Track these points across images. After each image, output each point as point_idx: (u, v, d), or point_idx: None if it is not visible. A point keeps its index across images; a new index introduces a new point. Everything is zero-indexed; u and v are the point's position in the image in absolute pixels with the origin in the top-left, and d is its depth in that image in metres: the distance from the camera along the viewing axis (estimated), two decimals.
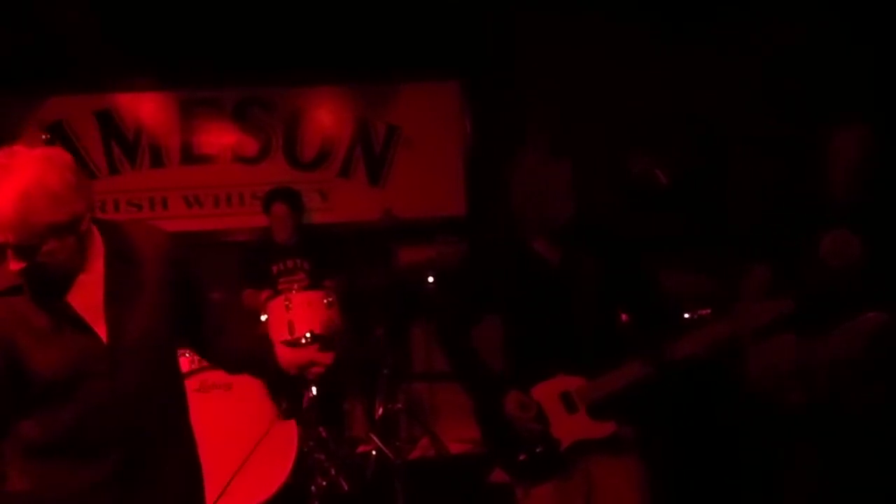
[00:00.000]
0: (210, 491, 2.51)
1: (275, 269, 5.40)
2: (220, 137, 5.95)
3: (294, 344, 4.82)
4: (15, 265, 2.06)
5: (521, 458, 2.96)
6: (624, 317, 3.20)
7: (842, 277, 3.08)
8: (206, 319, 2.43)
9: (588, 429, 2.93)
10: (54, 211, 2.02)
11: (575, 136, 5.24)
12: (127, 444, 2.21)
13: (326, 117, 6.06)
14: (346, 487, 4.79)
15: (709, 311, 3.79)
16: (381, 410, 5.39)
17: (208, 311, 2.43)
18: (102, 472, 2.20)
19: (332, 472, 4.81)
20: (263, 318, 4.96)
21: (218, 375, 4.50)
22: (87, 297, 2.17)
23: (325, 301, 4.90)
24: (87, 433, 2.18)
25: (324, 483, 4.74)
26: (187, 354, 4.23)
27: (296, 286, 4.98)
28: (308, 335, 4.79)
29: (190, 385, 4.36)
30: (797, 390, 3.13)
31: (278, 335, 4.83)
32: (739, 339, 2.97)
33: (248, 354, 2.55)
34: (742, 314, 2.89)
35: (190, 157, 5.93)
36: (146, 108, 5.82)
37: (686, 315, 3.75)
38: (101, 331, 2.17)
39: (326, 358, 2.49)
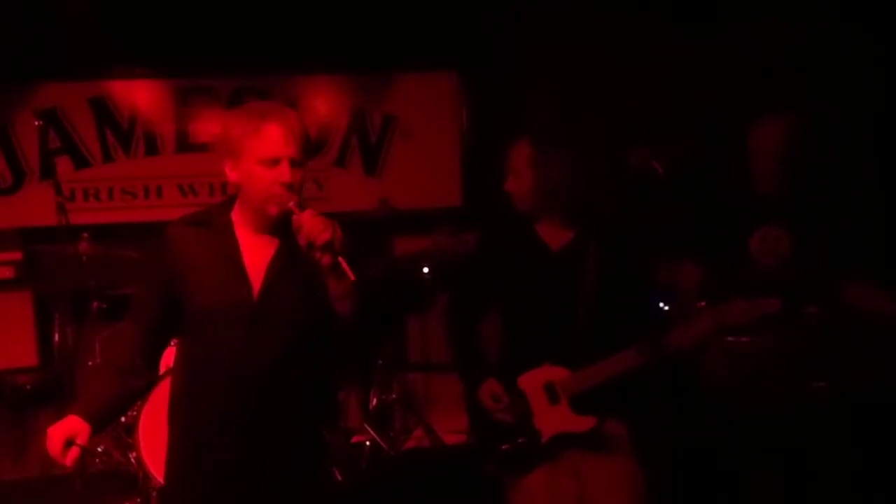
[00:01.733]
0: None
1: None
2: (215, 126, 5.90)
3: None
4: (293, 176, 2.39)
5: (503, 448, 2.96)
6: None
7: (772, 274, 3.10)
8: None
9: (569, 422, 2.92)
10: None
11: (573, 127, 5.24)
12: (246, 406, 2.43)
13: (322, 106, 6.03)
14: (339, 478, 4.78)
15: (704, 303, 3.79)
16: (375, 401, 5.39)
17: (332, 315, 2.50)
18: (225, 418, 2.44)
19: (327, 462, 4.80)
20: None
21: None
22: (257, 258, 2.47)
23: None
24: (219, 376, 2.44)
25: None
26: None
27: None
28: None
29: None
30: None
31: None
32: (722, 335, 2.96)
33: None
34: (728, 311, 2.85)
35: (185, 145, 5.89)
36: (141, 96, 5.78)
37: (667, 307, 3.75)
38: (255, 288, 2.45)
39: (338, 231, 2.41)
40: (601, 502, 2.95)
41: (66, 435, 2.36)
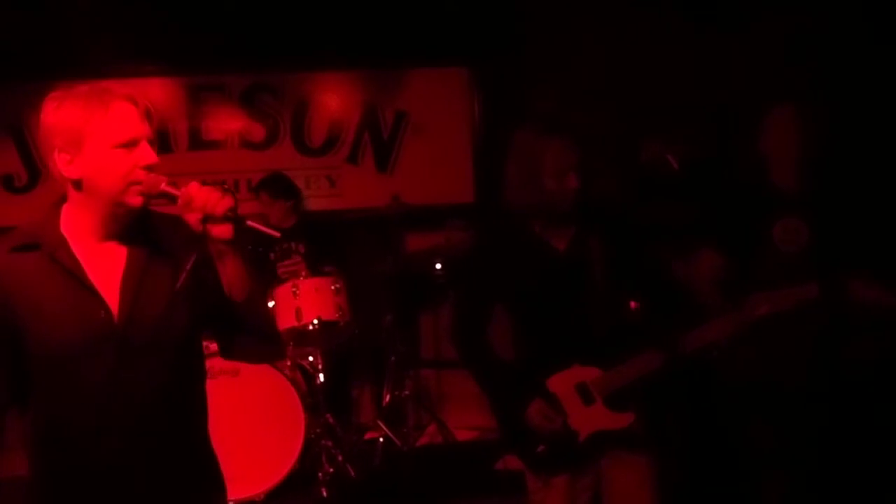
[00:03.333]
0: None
1: (272, 255, 5.39)
2: (227, 123, 5.93)
3: (302, 330, 4.83)
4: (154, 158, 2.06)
5: (540, 449, 2.94)
6: (633, 304, 3.16)
7: (793, 265, 3.14)
8: (226, 316, 2.15)
9: (606, 420, 2.90)
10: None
11: (584, 121, 5.22)
12: (126, 442, 2.08)
13: (334, 103, 6.04)
14: (353, 474, 4.79)
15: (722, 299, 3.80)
16: (388, 397, 5.40)
17: (229, 308, 2.12)
18: (99, 464, 2.09)
19: (340, 458, 4.81)
20: (271, 304, 4.95)
21: (225, 361, 4.49)
22: (106, 271, 2.09)
23: (332, 287, 4.89)
24: (84, 424, 2.07)
25: (331, 469, 4.74)
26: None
27: (303, 273, 4.96)
28: (315, 321, 4.79)
29: None
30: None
31: (285, 321, 4.83)
32: (761, 326, 2.94)
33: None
34: (762, 301, 2.87)
35: (198, 142, 5.91)
36: (153, 94, 5.79)
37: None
38: (114, 308, 2.07)
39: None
40: (620, 497, 2.94)
41: None
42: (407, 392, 5.40)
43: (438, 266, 5.48)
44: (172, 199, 2.03)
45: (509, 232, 3.04)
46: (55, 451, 2.11)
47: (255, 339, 2.21)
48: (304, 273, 4.96)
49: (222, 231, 2.00)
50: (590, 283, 2.92)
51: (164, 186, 2.03)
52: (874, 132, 4.59)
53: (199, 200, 1.98)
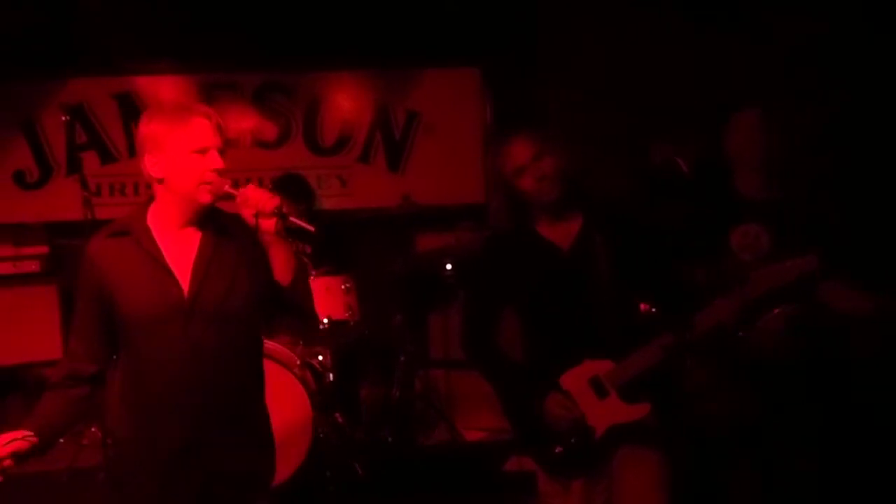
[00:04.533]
0: None
1: None
2: (239, 122, 5.94)
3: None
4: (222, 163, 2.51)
5: (558, 450, 2.93)
6: (643, 307, 3.15)
7: (751, 270, 3.03)
8: (274, 296, 2.61)
9: (622, 412, 2.89)
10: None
11: (598, 123, 5.22)
12: (193, 400, 2.48)
13: (346, 103, 6.04)
14: (361, 473, 4.79)
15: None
16: (397, 397, 5.39)
17: (277, 289, 2.60)
18: (171, 427, 2.49)
19: (348, 458, 4.81)
20: None
21: None
22: (181, 255, 2.53)
23: (343, 287, 4.89)
24: (160, 383, 2.49)
25: (339, 469, 4.74)
26: None
27: (314, 272, 4.97)
28: (326, 320, 4.79)
29: None
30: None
31: None
32: (767, 300, 2.92)
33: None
34: (764, 276, 2.86)
35: None
36: (166, 92, 5.80)
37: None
38: (185, 285, 2.50)
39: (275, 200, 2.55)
40: (631, 490, 2.91)
41: (12, 436, 2.43)
42: (416, 392, 5.40)
43: (449, 266, 5.47)
44: (233, 197, 2.52)
45: (514, 234, 3.06)
46: (136, 401, 2.53)
47: (295, 315, 2.76)
48: (314, 272, 4.96)
49: (270, 224, 2.51)
50: (595, 280, 2.92)
51: (227, 188, 2.51)
52: (876, 133, 4.58)
53: (253, 199, 2.50)
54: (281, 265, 2.58)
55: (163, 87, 5.81)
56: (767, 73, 5.00)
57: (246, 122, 5.95)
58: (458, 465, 5.09)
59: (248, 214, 2.51)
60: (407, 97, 6.04)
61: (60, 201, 5.55)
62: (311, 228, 2.56)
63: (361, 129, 6.03)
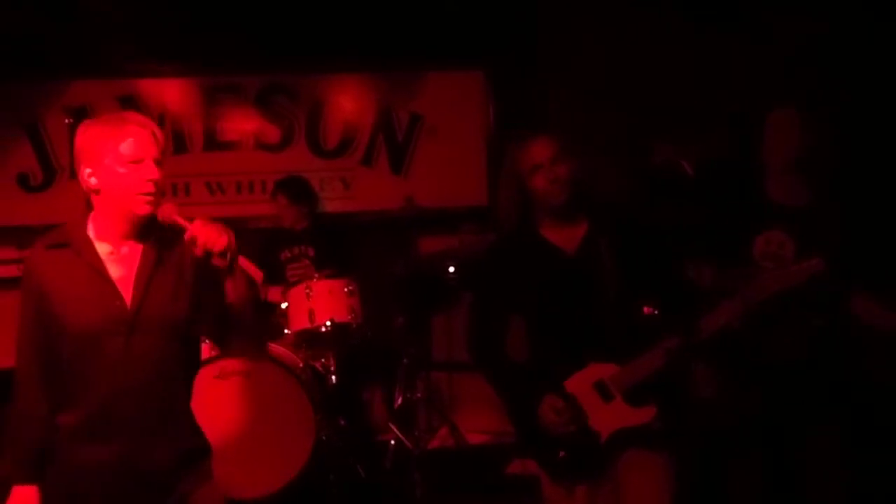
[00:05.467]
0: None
1: (283, 256, 5.41)
2: (242, 124, 5.95)
3: (314, 332, 4.84)
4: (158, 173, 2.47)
5: (561, 455, 2.92)
6: (647, 310, 3.15)
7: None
8: (223, 315, 2.55)
9: (627, 416, 2.88)
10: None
11: (598, 125, 5.21)
12: (134, 402, 2.46)
13: (349, 105, 6.04)
14: (363, 476, 4.79)
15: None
16: (400, 399, 5.39)
17: (226, 307, 2.53)
18: (114, 420, 2.46)
19: (351, 460, 4.81)
20: (284, 305, 4.96)
21: (236, 363, 4.51)
22: (123, 267, 2.51)
23: (345, 289, 4.89)
24: (99, 395, 2.45)
25: (342, 471, 4.74)
26: (206, 342, 4.23)
27: (316, 275, 4.97)
28: (328, 323, 4.79)
29: (209, 372, 4.41)
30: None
31: (298, 323, 4.84)
32: (775, 303, 2.90)
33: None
34: (772, 279, 2.84)
35: (213, 143, 5.93)
36: (169, 94, 5.81)
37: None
38: (128, 298, 2.48)
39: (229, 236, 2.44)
40: (636, 495, 2.90)
41: None
42: (419, 394, 5.39)
43: (451, 269, 5.47)
44: (182, 229, 2.42)
45: (518, 237, 3.05)
46: (78, 412, 2.48)
47: (242, 339, 2.73)
48: (317, 275, 4.97)
49: (219, 262, 2.42)
50: (600, 283, 2.91)
51: (176, 217, 2.44)
52: (879, 137, 4.57)
53: (202, 238, 2.38)
54: (229, 290, 2.50)
55: (166, 90, 5.82)
56: (767, 73, 5.00)
57: (249, 124, 5.96)
58: (460, 467, 5.09)
59: (197, 250, 2.40)
60: (410, 99, 6.04)
61: (64, 204, 5.55)
62: (258, 277, 2.51)
63: (364, 131, 6.04)
